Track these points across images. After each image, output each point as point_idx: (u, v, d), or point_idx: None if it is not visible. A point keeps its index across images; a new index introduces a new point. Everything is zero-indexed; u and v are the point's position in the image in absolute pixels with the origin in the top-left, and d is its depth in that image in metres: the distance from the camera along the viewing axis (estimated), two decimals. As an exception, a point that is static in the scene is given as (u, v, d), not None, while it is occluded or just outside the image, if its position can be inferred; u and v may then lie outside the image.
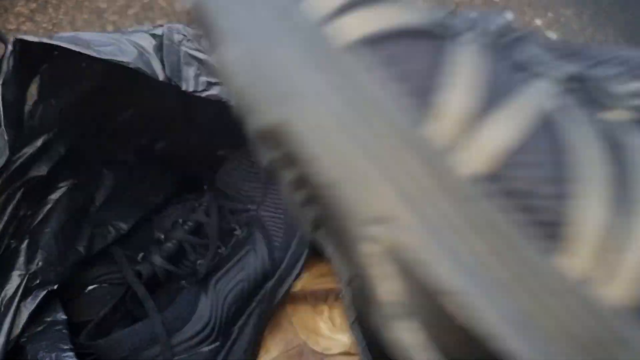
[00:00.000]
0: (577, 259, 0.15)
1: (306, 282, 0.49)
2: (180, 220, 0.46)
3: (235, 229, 0.46)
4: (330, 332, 0.47)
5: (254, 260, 0.44)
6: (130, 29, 0.39)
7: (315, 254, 0.50)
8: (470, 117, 0.15)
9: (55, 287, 0.39)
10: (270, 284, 0.45)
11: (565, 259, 0.15)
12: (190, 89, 0.38)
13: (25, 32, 0.84)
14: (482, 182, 0.15)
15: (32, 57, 0.37)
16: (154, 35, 0.38)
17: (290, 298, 0.49)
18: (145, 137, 0.48)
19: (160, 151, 0.49)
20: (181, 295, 0.42)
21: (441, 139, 0.15)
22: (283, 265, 0.46)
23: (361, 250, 0.16)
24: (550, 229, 0.15)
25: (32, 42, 0.35)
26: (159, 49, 0.38)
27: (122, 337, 0.39)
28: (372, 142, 0.15)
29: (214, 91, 0.38)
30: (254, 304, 0.44)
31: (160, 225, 0.47)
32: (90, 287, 0.43)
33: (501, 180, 0.15)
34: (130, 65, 0.35)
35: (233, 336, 0.43)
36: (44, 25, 0.82)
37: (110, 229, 0.45)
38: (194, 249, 0.45)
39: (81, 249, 0.43)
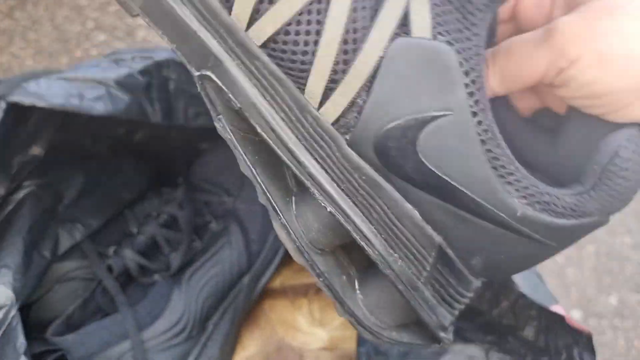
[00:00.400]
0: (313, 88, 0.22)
1: (285, 276, 0.48)
2: (154, 214, 0.45)
3: (210, 222, 0.45)
4: (309, 326, 0.46)
5: (229, 254, 0.43)
6: (119, 60, 0.40)
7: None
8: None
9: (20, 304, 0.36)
10: (246, 278, 0.44)
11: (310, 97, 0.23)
12: (180, 122, 0.41)
13: (4, 30, 0.82)
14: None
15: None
16: (142, 73, 0.39)
17: (269, 293, 0.47)
18: (124, 127, 0.47)
19: (138, 142, 0.48)
20: (153, 289, 0.41)
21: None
22: (260, 259, 0.45)
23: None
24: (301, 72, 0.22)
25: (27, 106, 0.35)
26: (148, 87, 0.40)
27: (90, 332, 0.38)
28: None
29: (201, 121, 0.42)
30: (229, 299, 0.43)
31: (132, 218, 0.46)
32: (59, 283, 0.41)
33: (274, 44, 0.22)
34: (123, 117, 0.37)
35: (208, 332, 0.42)
36: (23, 22, 0.81)
37: (79, 226, 0.43)
38: (167, 242, 0.44)
39: (47, 252, 0.41)
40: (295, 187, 0.26)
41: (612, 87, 0.21)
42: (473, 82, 0.21)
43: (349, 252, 0.27)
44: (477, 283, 0.26)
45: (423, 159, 0.22)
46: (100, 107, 0.36)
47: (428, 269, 0.24)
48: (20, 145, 0.38)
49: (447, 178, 0.22)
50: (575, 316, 0.96)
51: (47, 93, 0.35)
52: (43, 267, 0.40)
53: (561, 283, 0.99)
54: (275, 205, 0.25)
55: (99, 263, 0.42)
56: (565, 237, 0.24)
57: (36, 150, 0.38)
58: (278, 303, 0.47)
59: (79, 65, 0.41)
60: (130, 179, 0.47)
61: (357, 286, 0.27)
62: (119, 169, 0.47)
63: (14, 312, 0.35)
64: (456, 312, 0.26)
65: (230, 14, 0.22)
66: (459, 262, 0.24)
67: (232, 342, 0.44)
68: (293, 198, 0.26)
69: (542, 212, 0.23)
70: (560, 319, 0.37)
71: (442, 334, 0.26)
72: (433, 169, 0.22)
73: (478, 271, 0.25)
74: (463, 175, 0.22)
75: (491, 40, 0.26)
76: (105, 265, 0.42)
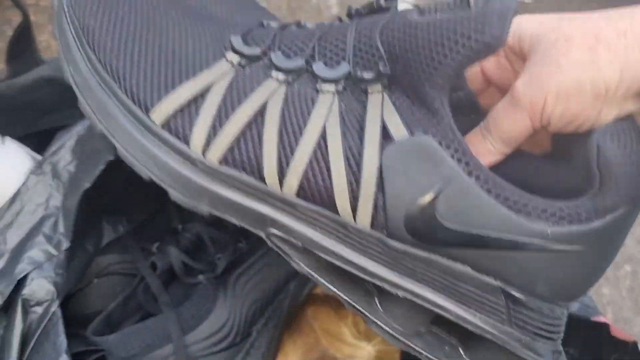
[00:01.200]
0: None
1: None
2: (200, 210, 0.43)
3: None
4: (354, 339, 0.43)
5: (277, 258, 0.41)
6: None
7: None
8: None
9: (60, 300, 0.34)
10: (292, 283, 0.42)
11: None
12: None
13: (44, 8, 0.81)
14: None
15: None
16: None
17: (312, 300, 0.45)
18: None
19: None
20: (197, 290, 0.39)
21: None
22: (308, 265, 0.43)
23: None
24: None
25: None
26: None
27: (132, 333, 0.36)
28: None
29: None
30: (275, 305, 0.41)
31: (176, 214, 0.44)
32: (98, 277, 0.40)
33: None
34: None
35: (251, 338, 0.39)
36: None
37: (124, 220, 0.41)
38: (213, 242, 0.42)
39: (90, 246, 0.39)
40: (374, 288, 0.30)
41: (580, 108, 0.25)
42: (456, 150, 0.26)
43: (446, 326, 0.31)
44: (558, 310, 0.28)
45: (447, 225, 0.26)
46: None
47: (504, 311, 0.28)
48: None
49: (473, 231, 0.26)
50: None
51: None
52: (85, 262, 0.38)
53: (597, 302, 0.95)
54: (361, 310, 0.30)
55: (142, 258, 0.40)
56: (606, 238, 0.26)
57: None
58: (321, 311, 0.45)
59: None
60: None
61: (461, 352, 0.31)
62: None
63: (54, 307, 0.34)
64: (556, 341, 0.29)
65: (266, 183, 0.28)
66: (526, 296, 0.27)
67: (274, 350, 0.42)
68: (375, 298, 0.31)
69: (570, 224, 0.26)
70: (605, 330, 0.40)
71: None
72: (459, 229, 0.26)
73: (548, 297, 0.27)
74: (485, 223, 0.26)
75: (475, 113, 0.31)
76: (149, 262, 0.40)
